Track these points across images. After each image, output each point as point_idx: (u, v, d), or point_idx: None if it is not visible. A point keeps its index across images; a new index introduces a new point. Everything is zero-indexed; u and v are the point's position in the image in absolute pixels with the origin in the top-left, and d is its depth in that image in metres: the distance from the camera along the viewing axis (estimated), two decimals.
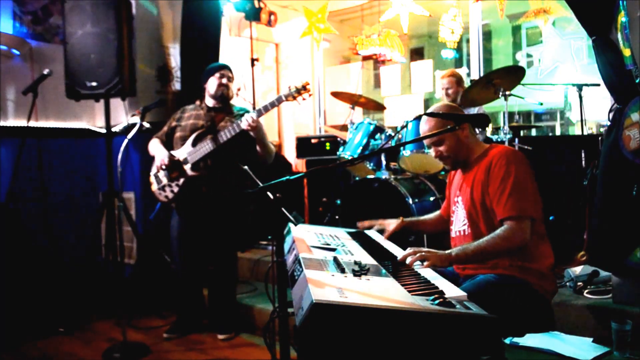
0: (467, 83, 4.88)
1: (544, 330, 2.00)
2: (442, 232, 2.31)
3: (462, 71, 5.56)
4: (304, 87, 2.98)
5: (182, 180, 3.18)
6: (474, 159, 2.05)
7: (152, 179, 3.30)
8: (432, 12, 5.24)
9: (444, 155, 2.07)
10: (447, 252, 1.82)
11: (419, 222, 2.38)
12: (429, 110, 2.12)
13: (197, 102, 3.36)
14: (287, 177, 1.74)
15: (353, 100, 4.15)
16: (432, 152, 2.11)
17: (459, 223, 2.06)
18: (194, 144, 3.17)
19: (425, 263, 1.72)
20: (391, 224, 2.27)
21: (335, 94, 4.25)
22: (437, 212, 2.40)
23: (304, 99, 3.01)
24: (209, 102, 3.30)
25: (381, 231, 2.29)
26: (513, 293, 1.84)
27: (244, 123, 3.02)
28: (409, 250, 1.79)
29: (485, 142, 2.44)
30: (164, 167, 3.17)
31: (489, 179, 1.91)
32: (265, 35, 5.92)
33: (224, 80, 3.25)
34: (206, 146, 3.12)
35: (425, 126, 2.08)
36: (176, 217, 3.33)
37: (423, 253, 1.76)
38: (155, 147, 3.27)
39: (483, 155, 2.02)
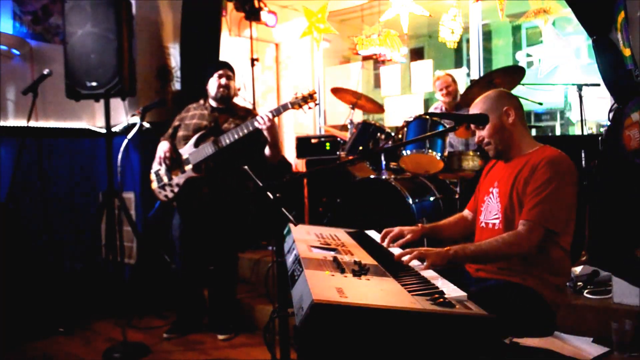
0: (467, 83, 4.90)
1: (544, 336, 1.99)
2: (463, 237, 2.18)
3: (462, 71, 5.56)
4: (311, 96, 2.99)
5: (182, 180, 3.18)
6: (521, 153, 1.95)
7: (153, 176, 3.30)
8: (432, 12, 5.23)
9: (484, 141, 1.98)
10: (445, 249, 1.78)
11: (438, 227, 2.19)
12: (490, 91, 2.03)
13: (201, 101, 3.35)
14: (287, 177, 1.74)
15: (354, 97, 4.14)
16: (476, 135, 2.03)
17: (490, 215, 1.98)
18: (197, 145, 3.17)
19: (425, 264, 1.69)
20: (410, 232, 2.09)
21: (336, 90, 4.23)
22: (458, 214, 2.27)
23: (310, 108, 3.02)
24: (212, 102, 3.30)
25: (397, 238, 2.12)
26: (520, 302, 1.80)
27: (260, 121, 3.01)
28: (406, 249, 1.76)
29: None
30: (166, 159, 3.16)
31: (531, 179, 1.83)
32: (265, 35, 5.92)
33: (223, 81, 3.24)
34: (208, 148, 3.12)
35: (473, 108, 2.00)
36: (177, 217, 3.33)
37: (421, 251, 1.72)
38: (159, 145, 3.27)
39: (533, 152, 1.93)
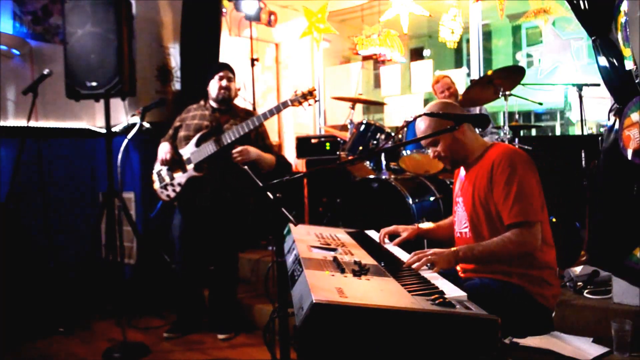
0: (467, 83, 4.90)
1: (540, 334, 1.99)
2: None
3: (462, 71, 5.56)
4: (310, 93, 3.00)
5: (184, 179, 3.19)
6: (474, 159, 1.99)
7: (155, 176, 3.31)
8: (432, 12, 5.23)
9: (441, 156, 2.02)
10: (453, 250, 1.80)
11: (434, 229, 2.23)
12: (424, 110, 2.07)
13: (202, 102, 3.36)
14: (287, 177, 1.74)
15: (353, 100, 4.15)
16: (430, 152, 2.07)
17: (461, 224, 2.02)
18: (198, 144, 3.17)
19: (434, 268, 1.70)
20: (405, 230, 2.15)
21: (336, 99, 4.25)
22: (452, 217, 2.27)
23: (309, 105, 3.03)
24: (213, 103, 3.31)
25: (394, 236, 2.17)
26: (507, 299, 1.81)
27: (236, 157, 3.05)
28: (413, 255, 1.76)
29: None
30: (168, 160, 3.17)
31: (493, 182, 1.85)
32: (265, 35, 5.92)
33: (224, 83, 3.25)
34: (209, 147, 3.13)
35: (421, 126, 2.02)
36: (178, 217, 3.33)
37: (429, 257, 1.73)
38: (160, 146, 3.28)
39: (484, 154, 1.96)
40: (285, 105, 3.05)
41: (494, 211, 1.87)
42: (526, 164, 1.86)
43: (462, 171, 2.09)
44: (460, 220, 2.03)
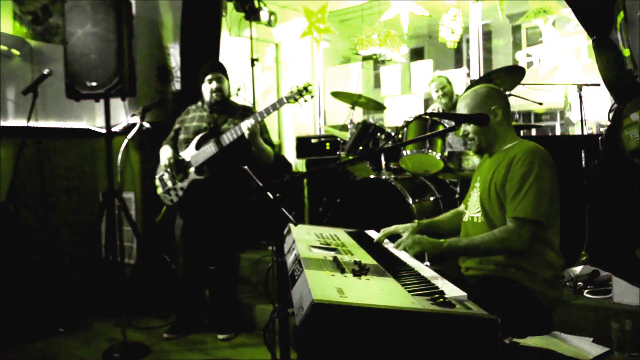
0: (467, 83, 4.90)
1: (540, 334, 1.99)
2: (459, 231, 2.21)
3: (462, 71, 5.56)
4: (306, 89, 2.95)
5: (186, 183, 3.19)
6: (502, 149, 1.99)
7: (157, 182, 3.32)
8: (432, 12, 5.24)
9: (469, 136, 2.01)
10: (440, 240, 1.84)
11: (434, 224, 2.24)
12: (471, 88, 2.07)
13: (199, 103, 3.36)
14: (287, 177, 1.74)
15: (353, 100, 4.15)
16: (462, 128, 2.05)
17: (473, 209, 2.02)
18: (198, 147, 3.17)
19: (415, 248, 1.79)
20: (406, 231, 2.11)
21: (335, 94, 4.24)
22: (454, 209, 2.31)
23: (306, 101, 2.98)
24: (209, 104, 3.30)
25: (395, 237, 2.14)
26: (507, 298, 1.81)
27: (245, 129, 3.01)
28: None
29: None
30: (170, 166, 3.17)
31: (509, 174, 1.86)
32: (265, 35, 5.92)
33: (214, 85, 3.22)
34: (209, 149, 3.12)
35: (462, 102, 2.02)
36: (179, 217, 3.34)
37: (415, 238, 1.80)
38: (162, 150, 3.28)
39: (511, 147, 1.96)
40: (281, 103, 3.00)
41: (504, 201, 1.88)
42: (547, 164, 1.86)
43: (487, 158, 2.08)
44: (473, 205, 2.03)
